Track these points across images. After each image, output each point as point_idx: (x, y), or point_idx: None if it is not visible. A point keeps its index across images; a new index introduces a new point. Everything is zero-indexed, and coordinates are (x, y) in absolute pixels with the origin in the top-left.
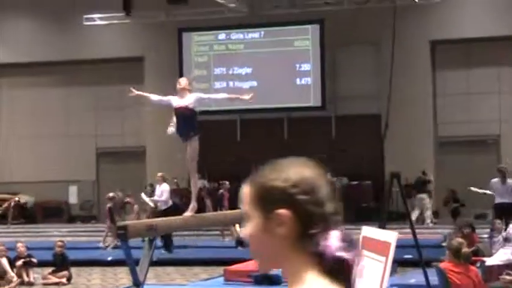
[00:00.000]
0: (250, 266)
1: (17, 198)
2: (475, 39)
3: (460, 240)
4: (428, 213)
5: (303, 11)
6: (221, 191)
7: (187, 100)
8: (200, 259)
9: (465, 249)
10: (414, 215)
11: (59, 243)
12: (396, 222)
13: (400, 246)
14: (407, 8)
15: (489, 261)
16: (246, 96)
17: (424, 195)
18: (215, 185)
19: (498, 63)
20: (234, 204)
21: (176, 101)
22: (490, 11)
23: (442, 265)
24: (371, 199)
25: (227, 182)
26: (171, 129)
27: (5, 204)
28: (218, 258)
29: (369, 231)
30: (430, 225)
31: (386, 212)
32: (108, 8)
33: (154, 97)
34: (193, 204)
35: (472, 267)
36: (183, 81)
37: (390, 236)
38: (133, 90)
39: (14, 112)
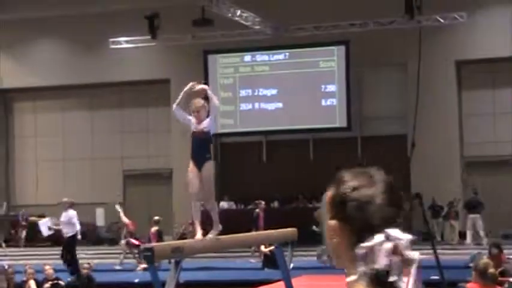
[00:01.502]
0: (277, 287)
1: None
2: (500, 59)
3: (486, 260)
4: (482, 233)
5: (327, 33)
6: (256, 210)
7: (203, 125)
8: (227, 281)
9: (491, 270)
10: (469, 235)
11: (86, 265)
12: (422, 243)
13: (426, 267)
14: (432, 29)
15: None
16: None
17: (476, 216)
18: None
19: None
20: (267, 224)
21: (193, 124)
22: None
23: (468, 286)
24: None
25: (263, 202)
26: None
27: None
28: (244, 279)
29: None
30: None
31: (409, 232)
32: (134, 31)
33: (180, 113)
34: (216, 227)
35: None
36: (198, 103)
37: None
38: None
39: (41, 135)
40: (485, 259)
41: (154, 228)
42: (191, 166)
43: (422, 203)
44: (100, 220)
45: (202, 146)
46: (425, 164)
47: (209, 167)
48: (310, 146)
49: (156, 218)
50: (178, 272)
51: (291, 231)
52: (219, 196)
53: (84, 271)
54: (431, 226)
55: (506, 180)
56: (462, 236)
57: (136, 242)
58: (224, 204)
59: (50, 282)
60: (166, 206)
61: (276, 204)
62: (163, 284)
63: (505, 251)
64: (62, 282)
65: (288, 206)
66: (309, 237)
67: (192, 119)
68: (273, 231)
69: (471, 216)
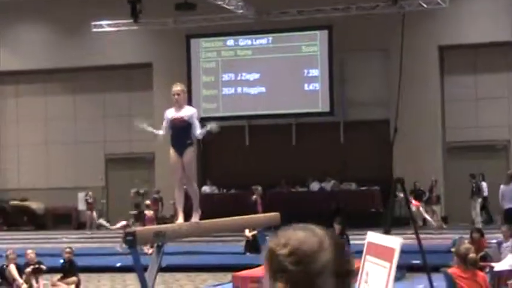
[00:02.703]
0: (259, 272)
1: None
2: (483, 45)
3: (467, 245)
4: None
5: (310, 17)
6: (254, 196)
7: (183, 112)
8: (209, 265)
9: (472, 255)
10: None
11: (68, 249)
12: (404, 228)
13: (408, 252)
14: (415, 14)
15: (498, 266)
16: None
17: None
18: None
19: (506, 69)
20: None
21: (171, 113)
22: (498, 16)
23: (450, 270)
24: (379, 204)
25: (259, 188)
26: (160, 132)
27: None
28: (227, 264)
29: (373, 237)
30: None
31: (390, 217)
32: (116, 15)
33: (161, 131)
34: (197, 212)
35: (480, 273)
36: (176, 88)
37: (394, 242)
38: (139, 124)
39: (22, 119)
40: (466, 244)
41: (149, 212)
42: (172, 153)
43: (405, 188)
44: (82, 204)
45: (182, 132)
46: (408, 149)
47: (190, 154)
48: (293, 131)
49: (148, 202)
50: (161, 257)
51: (273, 215)
52: (202, 181)
53: (66, 255)
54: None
55: (488, 165)
56: (443, 220)
57: None
58: (206, 189)
59: (32, 267)
60: (148, 190)
61: (259, 188)
62: (145, 268)
63: (486, 236)
64: (43, 267)
65: (271, 191)
66: (292, 221)
67: (167, 112)
68: (255, 215)
69: (479, 200)
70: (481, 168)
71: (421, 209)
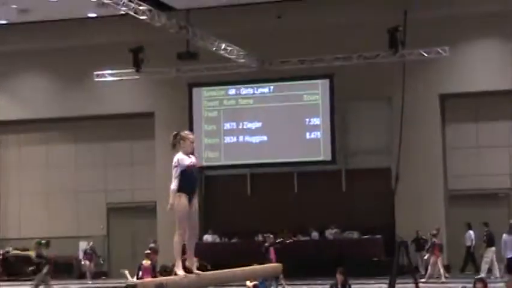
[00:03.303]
0: None
1: None
2: (484, 93)
3: None
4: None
5: (312, 66)
6: (266, 244)
7: (193, 158)
8: None
9: None
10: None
11: None
12: (404, 277)
13: None
14: (416, 63)
15: None
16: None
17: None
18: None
19: (508, 117)
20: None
21: (186, 160)
22: (498, 65)
23: None
24: (382, 253)
25: (271, 235)
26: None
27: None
28: None
29: None
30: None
31: (395, 281)
32: (118, 64)
33: (174, 185)
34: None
35: None
36: (192, 137)
37: None
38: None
39: (23, 168)
40: None
41: (146, 262)
42: (185, 200)
43: (408, 251)
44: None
45: (195, 180)
46: (410, 196)
47: (196, 200)
48: (295, 179)
49: (148, 250)
50: None
51: (275, 266)
52: (203, 229)
53: None
54: (415, 261)
55: (490, 214)
56: (447, 268)
57: None
58: (208, 237)
59: None
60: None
61: (259, 237)
62: None
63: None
64: None
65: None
66: (295, 271)
67: (179, 159)
68: (257, 266)
69: (491, 249)
70: (483, 216)
71: (439, 262)
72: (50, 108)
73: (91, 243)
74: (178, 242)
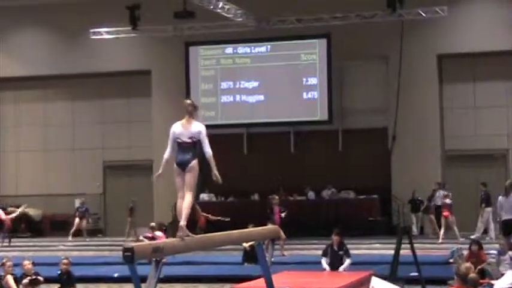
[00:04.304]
0: (257, 284)
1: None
2: (482, 53)
3: (467, 265)
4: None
5: (309, 25)
6: (272, 204)
7: (191, 132)
8: (207, 276)
9: (473, 275)
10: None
11: (65, 261)
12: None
13: (406, 263)
14: (414, 22)
15: (497, 284)
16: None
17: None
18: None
19: (505, 77)
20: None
21: (179, 132)
22: (496, 25)
23: None
24: (378, 213)
25: (276, 197)
26: (165, 154)
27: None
28: (225, 275)
29: (379, 283)
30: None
31: (397, 266)
32: (115, 22)
33: (168, 153)
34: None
35: None
36: (189, 106)
37: None
38: (156, 177)
39: (20, 126)
40: (466, 264)
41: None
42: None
43: (411, 236)
44: None
45: (187, 151)
46: (406, 157)
47: (195, 167)
48: (291, 139)
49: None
50: (159, 272)
51: (272, 229)
52: (200, 188)
53: (63, 267)
54: (412, 221)
55: (486, 174)
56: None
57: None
58: (205, 197)
59: (29, 278)
60: (146, 197)
61: (256, 196)
62: (144, 280)
63: (485, 246)
64: (40, 278)
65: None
66: (291, 231)
67: (174, 129)
68: (254, 229)
69: (488, 209)
70: (479, 177)
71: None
72: (47, 65)
73: (82, 200)
74: (191, 203)
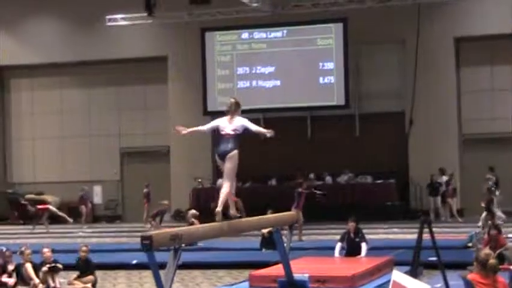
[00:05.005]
0: (276, 270)
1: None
2: (499, 36)
3: (487, 251)
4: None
5: (325, 10)
6: (299, 190)
7: (234, 125)
8: (225, 262)
9: (492, 261)
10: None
11: (84, 248)
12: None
13: (425, 248)
14: (431, 6)
15: None
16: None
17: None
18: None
19: None
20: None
21: (223, 125)
22: None
23: (469, 276)
24: (395, 197)
25: (304, 183)
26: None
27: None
28: (243, 261)
29: (400, 277)
30: None
31: (418, 262)
32: (130, 8)
33: (204, 127)
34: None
35: (500, 279)
36: (233, 104)
37: None
38: (180, 129)
39: (37, 113)
40: (486, 250)
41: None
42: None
43: (432, 228)
44: (97, 198)
45: (228, 143)
46: (423, 141)
47: (235, 157)
48: (308, 124)
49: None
50: (177, 260)
51: (290, 215)
52: (217, 174)
53: (82, 254)
54: (430, 205)
55: (504, 157)
56: (459, 213)
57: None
58: (221, 182)
59: (48, 265)
60: (163, 184)
61: (273, 182)
62: (162, 265)
63: (504, 229)
64: (60, 265)
65: (287, 184)
66: (308, 215)
67: (219, 122)
68: (272, 215)
69: (497, 193)
70: (497, 160)
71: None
72: (63, 52)
73: (85, 187)
74: (229, 191)
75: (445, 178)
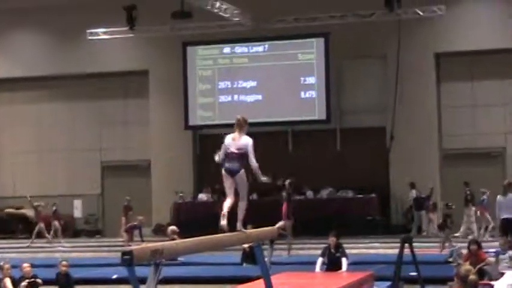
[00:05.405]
0: (257, 286)
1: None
2: (480, 52)
3: (467, 267)
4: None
5: (307, 25)
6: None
7: (240, 144)
8: (206, 277)
9: (472, 277)
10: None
11: (64, 263)
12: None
13: (405, 263)
14: (412, 21)
15: (497, 285)
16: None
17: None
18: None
19: (503, 76)
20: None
21: (229, 143)
22: (494, 23)
23: None
24: (376, 212)
25: (284, 194)
26: (217, 157)
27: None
28: (224, 276)
29: None
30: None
31: (399, 278)
32: (112, 22)
33: (218, 158)
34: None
35: None
36: (240, 121)
37: None
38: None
39: (18, 126)
40: (466, 265)
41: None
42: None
43: (412, 246)
44: (78, 212)
45: (237, 161)
46: (404, 156)
47: (242, 175)
48: (289, 138)
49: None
50: (158, 275)
51: (271, 230)
52: (197, 188)
53: (62, 269)
54: (415, 219)
55: (484, 173)
56: (440, 228)
57: None
58: (203, 196)
59: (27, 280)
60: (144, 198)
61: (254, 196)
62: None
63: (483, 244)
64: (39, 280)
65: (267, 198)
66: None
67: (227, 141)
68: (253, 230)
69: (473, 208)
70: (477, 175)
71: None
72: (44, 66)
73: (42, 203)
74: (245, 206)
75: (415, 192)
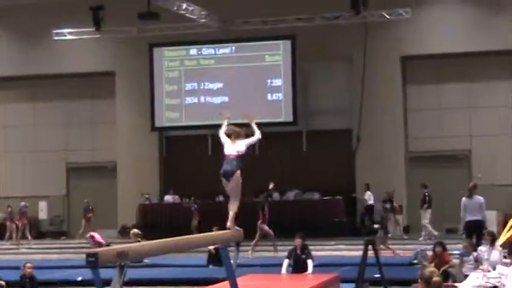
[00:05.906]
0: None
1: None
2: (446, 55)
3: (431, 269)
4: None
5: (274, 27)
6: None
7: (237, 146)
8: (171, 279)
9: (436, 278)
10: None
11: (28, 265)
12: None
13: (370, 265)
14: (378, 24)
15: (461, 287)
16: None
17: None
18: None
19: (468, 79)
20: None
21: (228, 145)
22: (459, 27)
23: None
24: (343, 214)
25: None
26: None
27: None
28: (189, 278)
29: None
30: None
31: (363, 279)
32: (78, 22)
33: (223, 136)
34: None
35: None
36: (236, 131)
37: None
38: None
39: None
40: (430, 267)
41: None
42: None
43: (377, 251)
44: (43, 213)
45: (232, 164)
46: (370, 158)
47: (237, 177)
48: None
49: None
50: (123, 277)
51: (236, 232)
52: (164, 190)
53: (28, 271)
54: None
55: (450, 175)
56: (405, 230)
57: None
58: (169, 198)
59: None
60: (110, 199)
61: (221, 198)
62: (108, 283)
63: (448, 246)
64: (2, 282)
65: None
66: (255, 232)
67: (226, 143)
68: (219, 232)
69: (429, 211)
70: (443, 178)
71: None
72: (8, 66)
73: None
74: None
75: (369, 193)
